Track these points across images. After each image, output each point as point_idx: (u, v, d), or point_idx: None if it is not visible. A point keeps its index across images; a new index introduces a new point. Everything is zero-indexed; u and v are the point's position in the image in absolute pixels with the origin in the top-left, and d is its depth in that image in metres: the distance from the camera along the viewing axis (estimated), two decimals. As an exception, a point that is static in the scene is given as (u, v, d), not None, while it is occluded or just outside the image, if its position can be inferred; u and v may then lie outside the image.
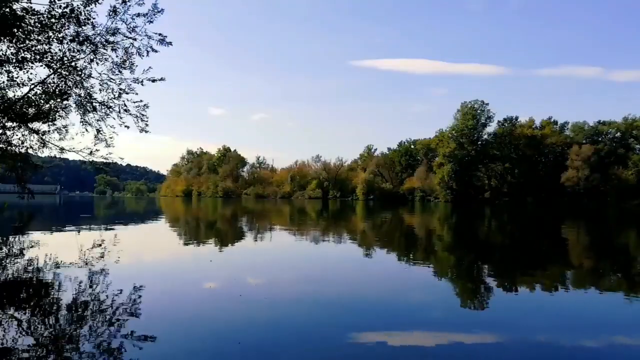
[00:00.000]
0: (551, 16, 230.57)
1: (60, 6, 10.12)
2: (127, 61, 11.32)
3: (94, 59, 11.14)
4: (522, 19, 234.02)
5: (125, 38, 11.09)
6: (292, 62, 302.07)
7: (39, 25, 10.14)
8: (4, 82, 10.73)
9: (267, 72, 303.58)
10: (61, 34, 10.47)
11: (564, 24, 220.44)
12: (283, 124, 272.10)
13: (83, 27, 10.58)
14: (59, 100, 11.38)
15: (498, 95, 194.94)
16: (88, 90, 11.54)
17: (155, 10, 10.96)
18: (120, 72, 11.39)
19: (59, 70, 10.99)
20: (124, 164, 13.11)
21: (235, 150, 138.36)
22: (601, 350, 4.36)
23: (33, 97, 11.10)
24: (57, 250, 10.03)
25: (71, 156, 12.48)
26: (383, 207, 50.79)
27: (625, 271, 9.05)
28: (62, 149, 11.87)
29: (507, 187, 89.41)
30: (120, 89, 11.52)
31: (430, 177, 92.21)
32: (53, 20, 10.18)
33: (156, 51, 11.40)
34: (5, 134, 11.32)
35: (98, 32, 10.86)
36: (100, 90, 11.57)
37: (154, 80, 11.48)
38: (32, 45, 10.33)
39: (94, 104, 11.68)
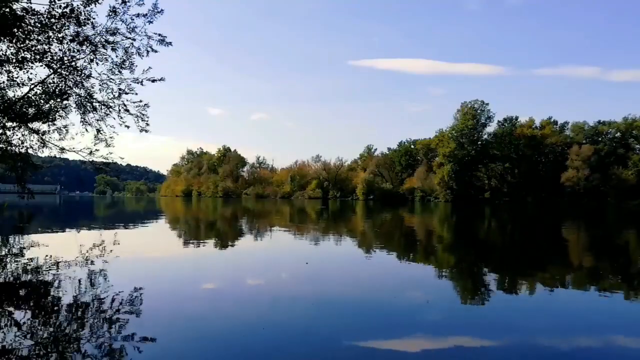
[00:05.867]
0: (549, 16, 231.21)
1: (60, 6, 10.11)
2: (127, 61, 11.30)
3: (94, 59, 11.13)
4: (520, 18, 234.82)
5: (125, 38, 11.08)
6: (291, 62, 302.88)
7: (39, 25, 10.13)
8: (4, 82, 10.72)
9: (265, 72, 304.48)
10: (61, 34, 10.46)
11: (561, 24, 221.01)
12: (282, 124, 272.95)
13: (83, 27, 10.56)
14: (59, 100, 11.37)
15: (497, 95, 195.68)
16: (88, 90, 11.54)
17: (155, 11, 10.95)
18: (120, 72, 11.38)
19: (59, 70, 10.99)
20: (124, 164, 13.11)
21: (235, 150, 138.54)
22: (601, 350, 4.36)
23: (33, 97, 11.09)
24: (57, 250, 10.02)
25: (71, 156, 12.49)
26: (383, 207, 50.79)
27: (625, 271, 9.04)
28: (62, 149, 11.85)
29: (507, 187, 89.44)
30: (120, 89, 11.51)
31: (430, 177, 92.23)
32: (53, 20, 10.17)
33: (156, 51, 11.40)
34: (5, 134, 11.31)
35: (98, 32, 10.85)
36: (100, 90, 11.56)
37: (153, 81, 11.47)
38: (32, 45, 10.31)
39: (94, 104, 11.67)
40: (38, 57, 10.46)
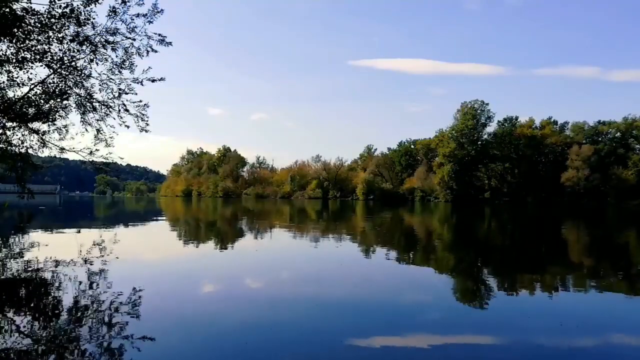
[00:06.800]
0: (549, 16, 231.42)
1: (60, 6, 10.11)
2: (127, 61, 11.29)
3: (94, 59, 11.12)
4: (520, 18, 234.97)
5: (125, 38, 11.07)
6: (291, 62, 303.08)
7: (39, 25, 10.12)
8: (4, 82, 10.72)
9: (265, 72, 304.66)
10: (61, 34, 10.46)
11: (561, 24, 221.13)
12: (282, 124, 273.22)
13: (83, 27, 10.56)
14: (59, 100, 11.37)
15: (497, 95, 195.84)
16: (88, 90, 11.53)
17: (155, 11, 10.95)
18: (120, 72, 11.37)
19: (59, 70, 10.98)
20: (124, 164, 13.10)
21: (235, 150, 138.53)
22: (601, 350, 4.36)
23: (33, 97, 11.08)
24: (57, 250, 10.03)
25: (71, 156, 12.53)
26: (383, 207, 50.78)
27: (625, 271, 9.04)
28: (62, 149, 11.85)
29: (507, 187, 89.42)
30: (120, 89, 11.51)
31: (430, 177, 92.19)
32: (53, 20, 10.17)
33: (156, 51, 11.39)
34: (5, 134, 11.31)
35: (98, 32, 10.84)
36: (100, 90, 11.56)
37: (153, 80, 11.47)
38: (32, 45, 10.31)
39: (94, 103, 11.67)
40: (38, 57, 10.46)
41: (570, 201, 77.21)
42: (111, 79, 11.41)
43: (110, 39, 11.00)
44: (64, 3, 10.10)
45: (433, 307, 5.92)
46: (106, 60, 11.22)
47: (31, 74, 10.71)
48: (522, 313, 5.66)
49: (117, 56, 11.25)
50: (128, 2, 10.74)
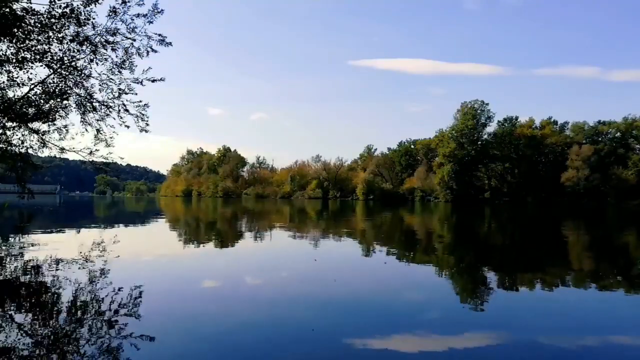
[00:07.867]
0: (549, 16, 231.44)
1: (60, 6, 10.12)
2: (127, 61, 11.31)
3: (94, 59, 11.12)
4: (520, 18, 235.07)
5: (125, 38, 11.08)
6: (291, 62, 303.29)
7: (39, 25, 10.13)
8: (4, 82, 10.72)
9: (264, 72, 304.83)
10: (61, 34, 10.46)
11: (561, 24, 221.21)
12: (282, 124, 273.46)
13: (83, 27, 10.56)
14: (59, 100, 11.37)
15: (497, 95, 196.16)
16: (88, 90, 11.54)
17: (155, 11, 10.95)
18: (120, 72, 11.38)
19: (59, 70, 10.99)
20: (124, 164, 13.12)
21: (235, 150, 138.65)
22: (601, 350, 4.36)
23: (33, 97, 11.09)
24: (57, 250, 10.02)
25: (71, 156, 12.50)
26: (383, 207, 50.77)
27: (625, 271, 9.04)
28: (62, 149, 11.85)
29: (507, 187, 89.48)
30: (120, 89, 11.52)
31: (430, 177, 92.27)
32: (53, 20, 10.17)
33: (156, 51, 11.40)
34: (5, 134, 11.31)
35: (98, 32, 10.85)
36: (100, 90, 11.57)
37: (153, 81, 11.48)
38: (32, 45, 10.32)
39: (94, 104, 11.67)
40: (38, 57, 10.46)
41: (570, 201, 77.23)
42: (111, 79, 11.43)
43: (111, 39, 11.01)
44: (64, 3, 10.11)
45: (433, 307, 5.93)
46: (106, 60, 11.23)
47: (31, 74, 10.73)
48: (522, 313, 5.66)
49: (117, 56, 11.27)
50: (128, 2, 10.75)
